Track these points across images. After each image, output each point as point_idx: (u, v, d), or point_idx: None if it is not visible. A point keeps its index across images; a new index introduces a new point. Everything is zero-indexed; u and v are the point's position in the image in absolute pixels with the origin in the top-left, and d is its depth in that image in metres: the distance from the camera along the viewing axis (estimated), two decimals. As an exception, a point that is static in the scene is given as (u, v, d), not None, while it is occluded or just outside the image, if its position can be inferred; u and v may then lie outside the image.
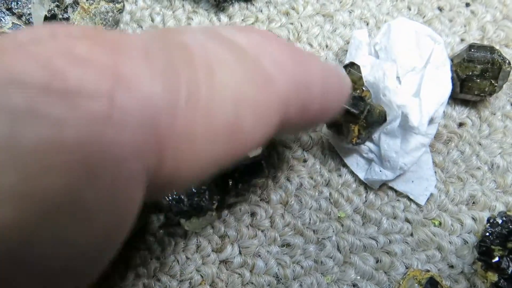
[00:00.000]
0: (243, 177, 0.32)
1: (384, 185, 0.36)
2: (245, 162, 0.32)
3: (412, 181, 0.36)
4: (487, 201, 0.35)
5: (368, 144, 0.36)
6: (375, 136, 0.35)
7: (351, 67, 0.34)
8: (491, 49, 0.36)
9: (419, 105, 0.35)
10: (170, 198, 0.33)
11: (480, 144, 0.37)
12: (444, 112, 0.37)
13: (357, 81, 0.34)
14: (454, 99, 0.38)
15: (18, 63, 0.12)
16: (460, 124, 0.38)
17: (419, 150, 0.34)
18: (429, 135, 0.36)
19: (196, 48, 0.16)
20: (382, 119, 0.34)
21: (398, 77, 0.36)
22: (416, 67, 0.36)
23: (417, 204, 0.35)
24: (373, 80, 0.36)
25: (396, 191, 0.36)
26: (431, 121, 0.36)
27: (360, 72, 0.34)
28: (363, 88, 0.34)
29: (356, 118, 0.33)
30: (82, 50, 0.13)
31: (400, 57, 0.36)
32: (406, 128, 0.35)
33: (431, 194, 0.35)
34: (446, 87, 0.35)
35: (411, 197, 0.35)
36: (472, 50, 0.36)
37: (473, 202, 0.36)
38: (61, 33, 0.14)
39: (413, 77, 0.36)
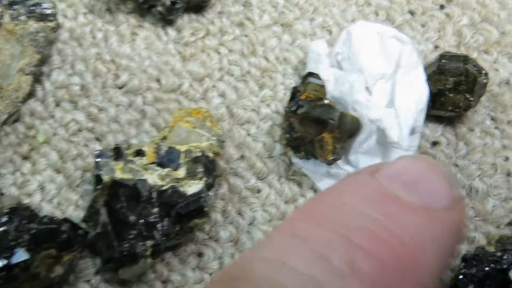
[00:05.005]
0: (180, 217, 0.28)
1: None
2: (183, 201, 0.28)
3: None
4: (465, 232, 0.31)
5: (345, 166, 0.32)
6: (352, 157, 0.32)
7: (311, 76, 0.31)
8: (465, 59, 0.32)
9: (395, 116, 0.31)
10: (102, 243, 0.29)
11: (456, 166, 0.33)
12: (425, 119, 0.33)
13: (319, 89, 0.30)
14: (426, 115, 0.34)
15: None
16: (434, 143, 0.34)
17: None
18: (412, 147, 0.32)
19: None
20: (356, 126, 0.30)
21: (367, 88, 0.33)
22: (386, 73, 0.32)
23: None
24: (339, 95, 0.32)
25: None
26: (412, 131, 0.32)
27: (320, 79, 0.31)
28: (327, 99, 0.30)
29: (329, 127, 0.29)
30: None
31: (366, 65, 0.32)
32: (385, 144, 0.31)
33: None
34: (422, 91, 0.32)
35: None
36: (443, 60, 0.32)
37: (449, 233, 0.32)
38: None
39: (383, 85, 0.33)
